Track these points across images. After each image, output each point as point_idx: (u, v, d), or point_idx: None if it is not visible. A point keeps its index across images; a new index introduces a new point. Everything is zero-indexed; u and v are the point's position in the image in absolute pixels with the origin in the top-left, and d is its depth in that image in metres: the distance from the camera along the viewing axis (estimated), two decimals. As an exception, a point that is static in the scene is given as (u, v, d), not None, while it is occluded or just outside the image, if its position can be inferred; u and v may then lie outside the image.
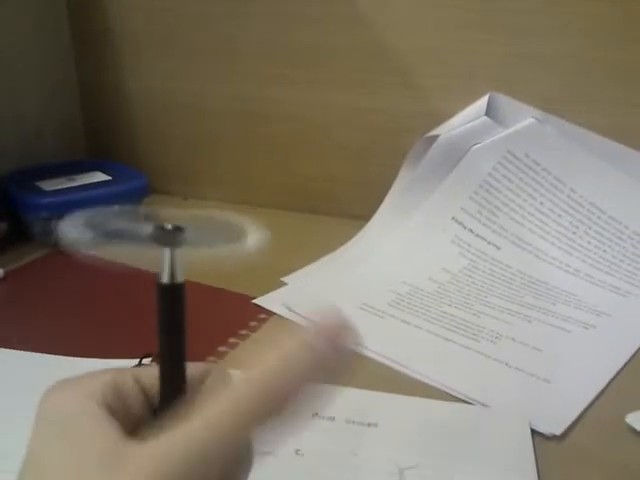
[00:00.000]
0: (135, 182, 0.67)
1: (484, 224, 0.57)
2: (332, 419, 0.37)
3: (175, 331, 0.21)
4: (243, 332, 0.47)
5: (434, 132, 0.59)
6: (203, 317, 0.50)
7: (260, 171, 0.74)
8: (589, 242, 0.55)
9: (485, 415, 0.38)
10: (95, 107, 0.79)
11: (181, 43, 0.72)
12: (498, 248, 0.57)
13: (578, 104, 0.59)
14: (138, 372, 0.22)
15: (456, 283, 0.54)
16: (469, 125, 0.59)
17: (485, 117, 0.59)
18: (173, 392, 0.21)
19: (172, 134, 0.77)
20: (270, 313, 0.50)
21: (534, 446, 0.35)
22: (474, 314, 0.49)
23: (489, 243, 0.57)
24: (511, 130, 0.58)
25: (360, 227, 0.62)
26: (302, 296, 0.51)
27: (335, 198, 0.70)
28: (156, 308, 0.21)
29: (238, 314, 0.50)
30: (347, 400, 0.38)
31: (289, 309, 0.50)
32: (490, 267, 0.55)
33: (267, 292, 0.53)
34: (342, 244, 0.61)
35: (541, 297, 0.52)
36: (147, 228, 0.20)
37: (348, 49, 0.65)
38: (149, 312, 0.21)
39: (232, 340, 0.46)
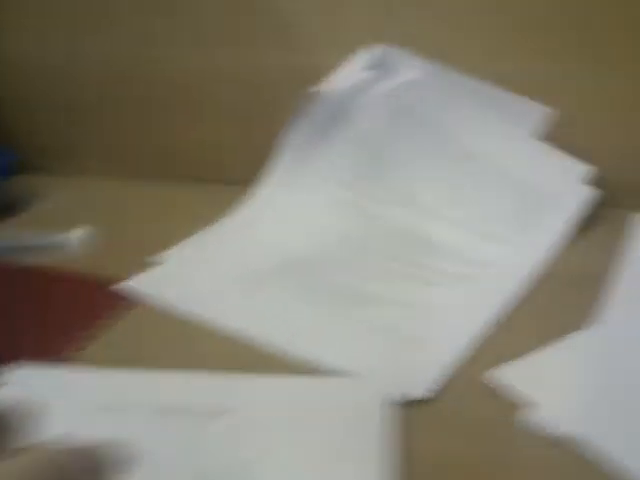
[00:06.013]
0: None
1: (370, 183, 0.54)
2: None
3: None
4: (103, 322, 0.43)
5: (318, 88, 0.55)
6: (56, 308, 0.45)
7: (140, 140, 0.68)
8: (476, 194, 0.53)
9: (339, 388, 0.35)
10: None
11: (47, 1, 0.64)
12: (384, 207, 0.53)
13: (467, 54, 0.56)
14: None
15: (339, 247, 0.51)
16: (355, 79, 0.55)
17: (371, 70, 0.55)
18: None
19: (43, 103, 0.69)
20: (135, 299, 0.45)
21: (398, 412, 0.33)
22: (353, 278, 0.46)
23: (376, 203, 0.53)
24: (398, 83, 0.55)
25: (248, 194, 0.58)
26: (172, 277, 0.47)
27: (220, 164, 0.65)
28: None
29: (99, 302, 0.45)
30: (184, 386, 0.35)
31: (155, 294, 0.45)
32: (375, 228, 0.52)
33: (135, 274, 0.48)
34: (227, 213, 0.57)
35: (425, 254, 0.49)
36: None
37: (226, 3, 0.60)
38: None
39: (90, 332, 0.42)
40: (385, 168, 0.54)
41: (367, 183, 0.54)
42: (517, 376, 0.35)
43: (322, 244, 0.51)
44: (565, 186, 0.51)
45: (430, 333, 0.40)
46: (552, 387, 0.34)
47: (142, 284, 0.46)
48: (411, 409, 0.34)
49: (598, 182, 0.53)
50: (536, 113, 0.53)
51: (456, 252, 0.49)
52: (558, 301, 0.43)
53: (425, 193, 0.53)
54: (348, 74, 0.55)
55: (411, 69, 0.54)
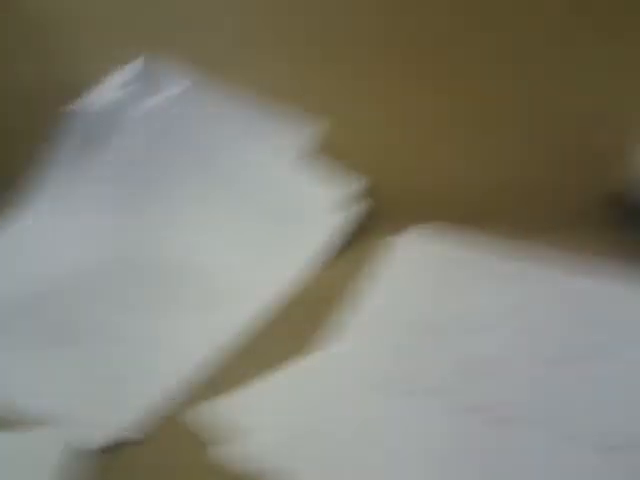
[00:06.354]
0: None
1: (130, 208, 0.50)
2: None
3: None
4: None
5: (79, 104, 0.51)
6: None
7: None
8: (234, 217, 0.49)
9: (21, 441, 0.32)
10: None
11: None
12: (143, 233, 0.48)
13: (242, 66, 0.53)
14: None
15: (90, 279, 0.45)
16: (118, 94, 0.51)
17: (136, 84, 0.52)
18: None
19: None
20: None
21: (91, 460, 0.30)
22: (94, 313, 0.42)
23: (135, 229, 0.49)
24: (164, 99, 0.52)
25: None
26: None
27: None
28: None
29: None
30: None
31: None
32: (131, 256, 0.47)
33: None
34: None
35: (176, 282, 0.45)
36: None
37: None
38: None
39: None
40: (146, 191, 0.50)
41: (127, 207, 0.49)
42: (227, 410, 0.33)
43: (71, 275, 0.45)
44: (326, 203, 0.49)
45: (146, 370, 0.37)
46: (259, 420, 0.32)
47: None
48: (107, 456, 0.31)
49: (370, 194, 0.51)
50: (304, 126, 0.51)
51: (209, 279, 0.45)
52: (301, 325, 0.40)
53: (183, 218, 0.49)
54: (108, 90, 0.51)
55: (173, 84, 0.51)
